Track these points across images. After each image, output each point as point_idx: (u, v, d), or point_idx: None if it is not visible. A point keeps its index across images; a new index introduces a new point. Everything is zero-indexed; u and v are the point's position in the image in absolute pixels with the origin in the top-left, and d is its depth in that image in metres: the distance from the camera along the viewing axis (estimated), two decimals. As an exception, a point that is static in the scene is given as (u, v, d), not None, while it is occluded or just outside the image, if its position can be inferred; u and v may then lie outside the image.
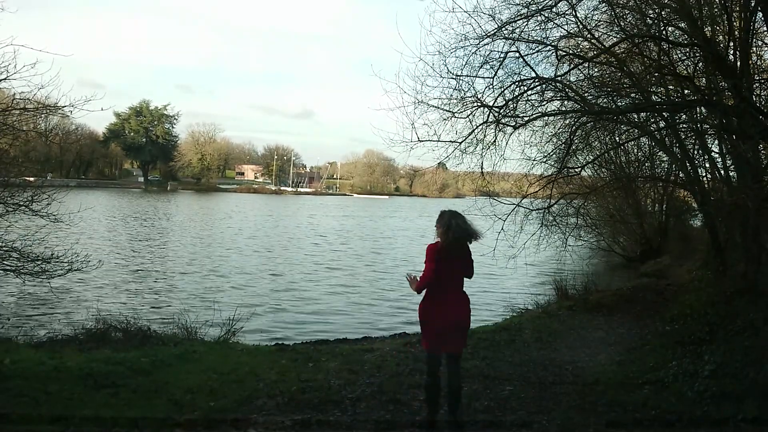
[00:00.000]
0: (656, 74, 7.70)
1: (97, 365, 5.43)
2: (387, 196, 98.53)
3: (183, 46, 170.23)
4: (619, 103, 8.38)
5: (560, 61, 7.50)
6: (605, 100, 8.35)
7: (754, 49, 7.38)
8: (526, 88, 7.36)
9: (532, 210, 8.99)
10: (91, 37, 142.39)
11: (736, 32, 6.38)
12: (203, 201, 63.87)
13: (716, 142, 9.18)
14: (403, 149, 7.69)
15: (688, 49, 7.29)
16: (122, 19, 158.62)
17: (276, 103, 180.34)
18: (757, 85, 7.27)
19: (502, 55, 7.24)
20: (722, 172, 9.49)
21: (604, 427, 4.65)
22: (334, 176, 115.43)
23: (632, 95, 8.18)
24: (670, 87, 8.50)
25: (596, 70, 8.25)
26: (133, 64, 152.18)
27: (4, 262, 8.14)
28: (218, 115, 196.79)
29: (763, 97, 7.37)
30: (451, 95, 7.51)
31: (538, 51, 7.45)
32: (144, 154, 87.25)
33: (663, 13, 7.03)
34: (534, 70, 7.33)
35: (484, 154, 7.87)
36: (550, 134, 9.72)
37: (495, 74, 7.34)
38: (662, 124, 8.69)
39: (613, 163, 14.13)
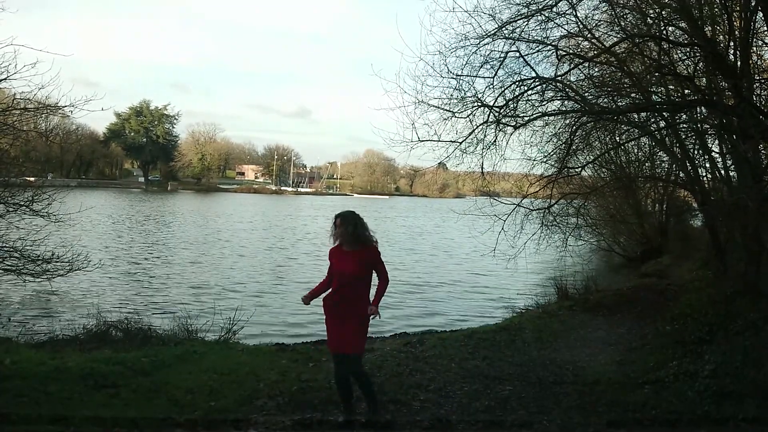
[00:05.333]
0: (656, 74, 7.69)
1: (97, 365, 5.44)
2: (387, 196, 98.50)
3: (179, 45, 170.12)
4: (620, 103, 8.37)
5: (560, 61, 7.50)
6: (605, 100, 8.34)
7: (755, 49, 7.36)
8: (526, 88, 7.36)
9: (532, 210, 8.98)
10: (84, 35, 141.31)
11: (737, 32, 6.38)
12: (204, 201, 63.87)
13: (716, 142, 9.17)
14: (404, 149, 7.70)
15: (688, 49, 7.27)
16: (116, 17, 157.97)
17: (272, 102, 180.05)
18: (757, 85, 7.26)
19: (503, 55, 7.25)
20: (722, 172, 9.48)
21: (605, 426, 4.65)
22: (335, 176, 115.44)
23: (632, 95, 8.17)
24: (671, 87, 8.49)
25: (596, 69, 8.24)
26: (127, 62, 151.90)
27: (5, 262, 8.16)
28: (215, 113, 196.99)
29: (764, 97, 7.36)
30: (452, 95, 7.52)
31: (538, 51, 7.46)
32: (144, 154, 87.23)
33: (663, 12, 7.03)
34: (534, 70, 7.34)
35: (484, 154, 7.87)
36: (550, 134, 9.71)
37: (495, 74, 7.35)
38: (662, 124, 8.68)
39: (614, 163, 14.11)
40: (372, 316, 4.45)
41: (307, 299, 4.58)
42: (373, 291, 4.61)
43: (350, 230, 4.50)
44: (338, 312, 4.48)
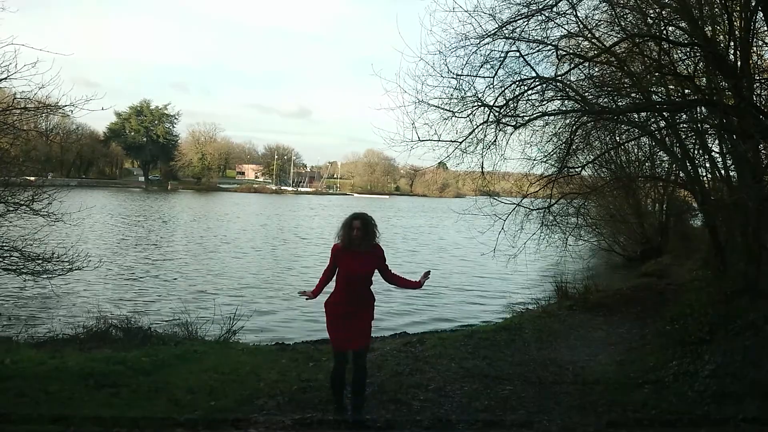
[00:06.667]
0: (656, 74, 7.69)
1: (97, 365, 5.44)
2: (387, 196, 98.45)
3: (179, 44, 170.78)
4: (620, 103, 8.37)
5: (561, 61, 7.51)
6: (605, 99, 8.34)
7: (755, 48, 7.36)
8: (526, 88, 7.36)
9: (532, 210, 8.98)
10: (83, 35, 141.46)
11: (737, 32, 6.38)
12: (204, 201, 63.87)
13: (716, 141, 9.16)
14: (404, 149, 7.71)
15: (688, 49, 7.28)
16: (115, 17, 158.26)
17: (272, 102, 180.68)
18: (757, 84, 7.26)
19: (503, 55, 7.25)
20: (722, 171, 9.48)
21: (605, 426, 4.65)
22: (335, 176, 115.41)
23: (632, 95, 8.16)
24: (671, 87, 8.48)
25: (597, 69, 8.24)
26: (126, 62, 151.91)
27: (5, 261, 8.16)
28: (214, 113, 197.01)
29: (764, 96, 7.36)
30: (452, 95, 7.52)
31: (538, 50, 7.45)
32: (144, 154, 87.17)
33: (663, 12, 7.03)
34: (534, 70, 7.34)
35: (484, 153, 7.87)
36: (550, 134, 9.71)
37: (495, 74, 7.34)
38: (662, 123, 8.68)
39: (614, 163, 14.10)
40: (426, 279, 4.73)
41: (311, 295, 4.59)
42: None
43: (369, 236, 4.51)
44: (346, 310, 4.53)
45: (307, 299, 4.59)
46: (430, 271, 4.81)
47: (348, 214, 4.67)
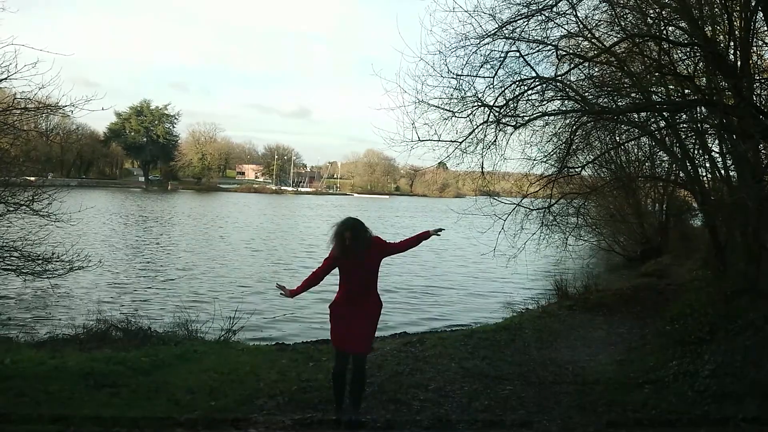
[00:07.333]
0: (656, 74, 7.69)
1: (97, 365, 5.44)
2: (387, 196, 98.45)
3: (179, 45, 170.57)
4: (620, 103, 8.37)
5: (561, 61, 7.51)
6: (605, 99, 8.34)
7: (755, 48, 7.36)
8: (526, 88, 7.36)
9: (532, 210, 8.98)
10: (83, 35, 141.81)
11: (737, 32, 6.38)
12: (204, 201, 63.87)
13: (716, 141, 9.16)
14: (404, 149, 7.70)
15: (688, 49, 7.28)
16: (115, 16, 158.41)
17: (272, 102, 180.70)
18: (757, 84, 7.26)
19: (503, 55, 7.25)
20: (722, 171, 9.47)
21: (605, 426, 4.65)
22: (335, 176, 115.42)
23: (632, 95, 8.16)
24: (671, 87, 8.48)
25: (596, 69, 8.24)
26: (126, 62, 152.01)
27: (5, 262, 8.16)
28: (214, 113, 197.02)
29: (764, 96, 7.36)
30: (452, 95, 7.52)
31: (538, 51, 7.45)
32: (145, 154, 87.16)
33: (663, 12, 7.03)
34: (534, 70, 7.33)
35: (484, 153, 7.86)
36: (550, 134, 9.71)
37: (495, 74, 7.34)
38: (662, 123, 8.68)
39: (614, 163, 14.11)
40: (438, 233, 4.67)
41: (292, 293, 4.51)
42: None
43: (360, 239, 4.45)
44: (346, 311, 4.52)
45: (281, 294, 4.52)
46: (442, 229, 4.74)
47: (342, 218, 4.56)
